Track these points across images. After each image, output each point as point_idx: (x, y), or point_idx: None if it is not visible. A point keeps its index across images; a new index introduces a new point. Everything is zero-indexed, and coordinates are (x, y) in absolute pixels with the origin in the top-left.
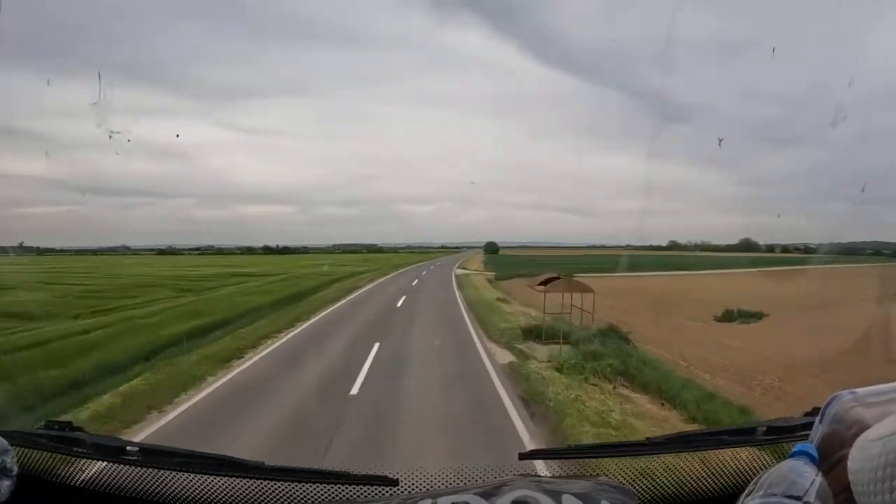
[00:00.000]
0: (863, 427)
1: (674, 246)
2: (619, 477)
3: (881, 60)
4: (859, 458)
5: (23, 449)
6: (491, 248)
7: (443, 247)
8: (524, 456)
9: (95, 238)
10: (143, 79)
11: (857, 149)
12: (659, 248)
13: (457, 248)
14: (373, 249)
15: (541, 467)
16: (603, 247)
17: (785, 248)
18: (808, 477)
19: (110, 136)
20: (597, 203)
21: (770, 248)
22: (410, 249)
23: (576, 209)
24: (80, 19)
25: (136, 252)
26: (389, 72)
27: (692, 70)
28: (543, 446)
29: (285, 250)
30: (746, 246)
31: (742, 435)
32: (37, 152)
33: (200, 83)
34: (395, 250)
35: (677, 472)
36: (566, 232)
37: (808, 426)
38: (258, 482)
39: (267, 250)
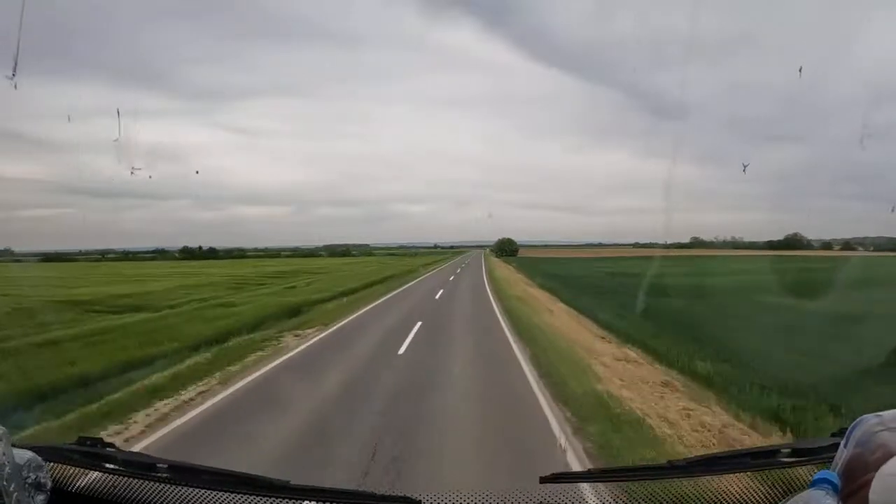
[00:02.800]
0: (887, 452)
1: (697, 243)
2: (641, 501)
3: (872, 59)
4: (880, 491)
5: (56, 464)
6: (506, 248)
7: (435, 246)
8: (545, 479)
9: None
10: (135, 80)
11: (851, 145)
12: (677, 245)
13: (452, 247)
14: (364, 251)
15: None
16: (600, 245)
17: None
18: None
19: (132, 173)
20: (593, 201)
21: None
22: (403, 250)
23: (570, 207)
24: (72, 20)
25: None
26: (383, 71)
27: (685, 68)
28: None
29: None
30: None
31: (766, 457)
32: None
33: (192, 84)
34: (388, 251)
35: (700, 497)
36: (559, 230)
37: (833, 448)
38: (283, 501)
39: (187, 253)
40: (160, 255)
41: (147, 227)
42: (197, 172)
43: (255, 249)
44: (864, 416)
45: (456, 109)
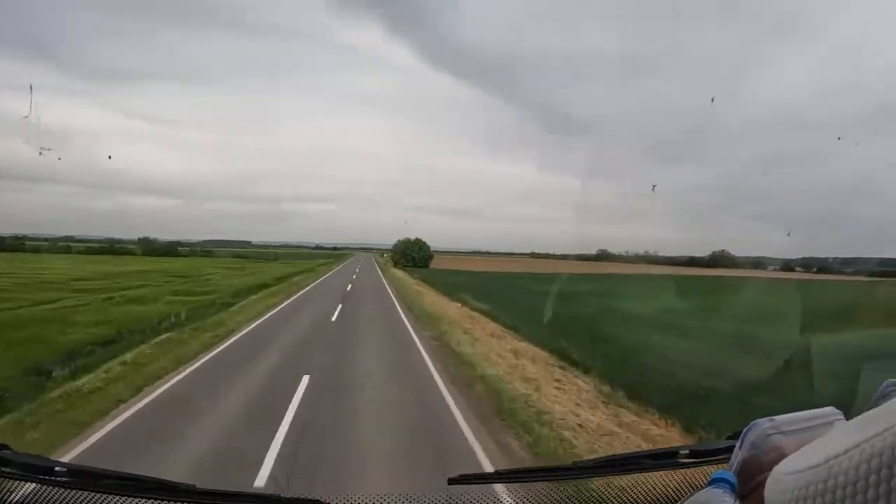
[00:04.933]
0: (780, 454)
1: (604, 255)
2: (547, 501)
3: (773, 92)
4: (774, 491)
5: None
6: (413, 254)
7: (335, 248)
8: (453, 481)
9: None
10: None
11: (746, 169)
12: (582, 257)
13: (349, 249)
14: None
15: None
16: (497, 254)
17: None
18: None
19: (41, 153)
20: (493, 209)
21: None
22: (288, 249)
23: (471, 213)
24: None
25: None
26: (289, 66)
27: (590, 85)
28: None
29: None
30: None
31: (665, 458)
32: None
33: (87, 62)
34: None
35: (603, 497)
36: (460, 236)
37: (730, 450)
38: None
39: None
40: None
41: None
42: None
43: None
44: (757, 420)
45: (363, 109)
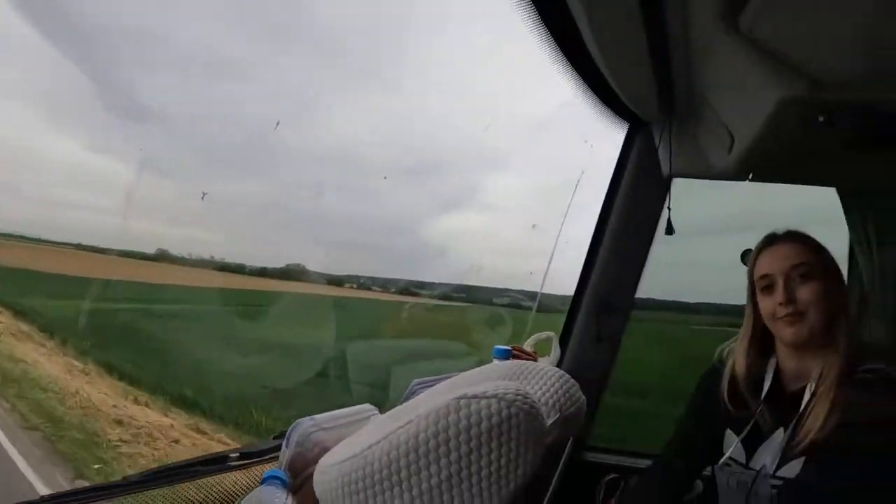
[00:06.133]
0: (323, 448)
1: (162, 255)
2: None
3: (337, 123)
4: (319, 483)
5: None
6: None
7: None
8: None
9: None
10: None
11: (306, 191)
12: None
13: None
14: None
15: None
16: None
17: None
18: (279, 500)
19: None
20: (38, 188)
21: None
22: None
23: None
24: None
25: None
26: None
27: (166, 74)
28: None
29: None
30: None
31: (216, 463)
32: None
33: None
34: None
35: None
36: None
37: (277, 449)
38: None
39: None
40: None
41: None
42: None
43: None
44: (301, 419)
45: None
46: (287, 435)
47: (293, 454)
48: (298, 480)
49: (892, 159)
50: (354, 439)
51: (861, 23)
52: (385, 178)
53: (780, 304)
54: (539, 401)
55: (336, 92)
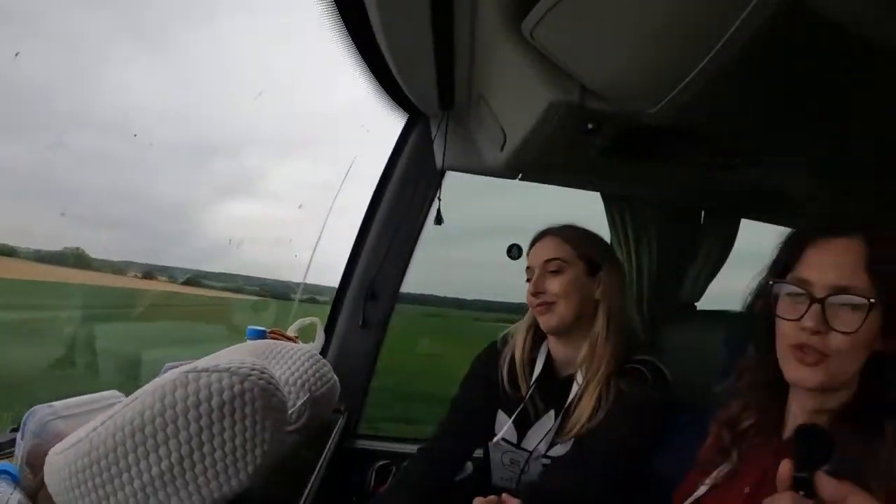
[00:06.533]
0: (62, 437)
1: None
2: None
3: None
4: (49, 472)
5: None
6: None
7: None
8: None
9: None
10: None
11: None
12: None
13: None
14: None
15: None
16: None
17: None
18: (3, 497)
19: None
20: None
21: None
22: None
23: None
24: None
25: None
26: None
27: None
28: None
29: None
30: None
31: None
32: None
33: None
34: None
35: None
36: None
37: (13, 442)
38: None
39: None
40: None
41: None
42: None
43: None
44: (36, 406)
45: None
46: (22, 426)
47: (31, 446)
48: (40, 477)
49: (649, 169)
50: (88, 426)
51: (630, 38)
52: (135, 135)
53: (531, 294)
54: (287, 381)
55: (118, 51)
